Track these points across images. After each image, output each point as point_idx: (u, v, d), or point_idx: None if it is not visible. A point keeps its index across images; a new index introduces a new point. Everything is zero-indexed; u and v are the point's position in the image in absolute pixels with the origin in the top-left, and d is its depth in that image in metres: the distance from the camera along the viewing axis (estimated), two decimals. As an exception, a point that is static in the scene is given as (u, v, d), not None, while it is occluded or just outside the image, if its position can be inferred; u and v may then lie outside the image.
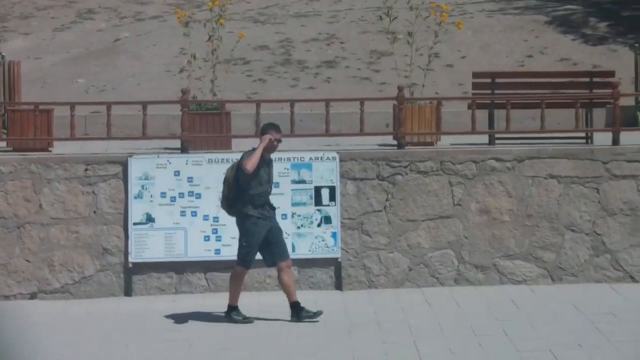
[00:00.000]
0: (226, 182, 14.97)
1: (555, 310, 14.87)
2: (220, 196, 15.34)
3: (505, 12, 30.58)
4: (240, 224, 14.91)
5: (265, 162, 14.59)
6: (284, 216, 16.96)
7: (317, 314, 14.58)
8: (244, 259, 14.83)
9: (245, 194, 14.66)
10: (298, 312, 14.55)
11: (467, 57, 26.61)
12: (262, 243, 14.81)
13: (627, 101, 20.57)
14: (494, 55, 27.00)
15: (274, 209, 15.21)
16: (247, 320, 14.86)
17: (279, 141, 15.00)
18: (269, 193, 15.14)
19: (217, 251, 17.39)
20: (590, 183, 17.35)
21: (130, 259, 17.12)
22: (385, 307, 15.39)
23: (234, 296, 15.03)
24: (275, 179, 16.42)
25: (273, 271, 15.62)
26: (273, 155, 15.50)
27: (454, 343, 13.04)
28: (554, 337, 13.11)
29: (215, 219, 17.38)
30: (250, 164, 14.06)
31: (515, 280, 16.85)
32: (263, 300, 16.36)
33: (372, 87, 24.51)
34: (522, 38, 28.26)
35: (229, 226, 16.45)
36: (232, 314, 14.85)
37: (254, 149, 14.47)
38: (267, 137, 14.52)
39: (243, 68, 26.87)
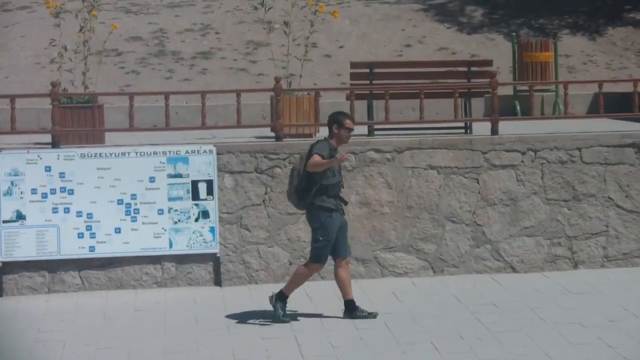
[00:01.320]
0: (295, 172, 14.49)
1: (436, 302, 14.91)
2: (287, 188, 15.00)
3: (383, 1, 30.16)
4: (312, 218, 14.32)
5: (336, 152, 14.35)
6: (161, 211, 16.66)
7: (372, 314, 14.27)
8: (320, 255, 14.27)
9: (318, 185, 14.14)
10: (352, 311, 14.18)
11: (345, 47, 26.46)
12: None
13: (506, 90, 21.08)
14: (372, 45, 26.71)
15: (345, 202, 14.74)
16: (283, 318, 14.41)
17: (352, 130, 14.65)
18: (342, 185, 14.78)
19: (92, 248, 16.84)
20: (470, 173, 17.34)
21: (0, 258, 16.57)
22: (265, 303, 14.54)
23: (290, 288, 14.53)
24: (151, 173, 16.61)
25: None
26: (148, 149, 16.08)
27: (336, 337, 12.87)
28: (435, 329, 13.13)
29: (89, 215, 16.84)
30: (313, 163, 13.78)
31: (396, 272, 16.72)
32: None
33: (249, 78, 24.26)
34: (400, 27, 27.94)
35: (104, 222, 16.37)
36: (277, 311, 14.36)
37: (325, 139, 14.08)
38: (345, 154, 14.05)
39: (116, 60, 26.32)
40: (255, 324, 14.18)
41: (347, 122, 13.78)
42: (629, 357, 11.56)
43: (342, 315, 14.19)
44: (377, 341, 12.72)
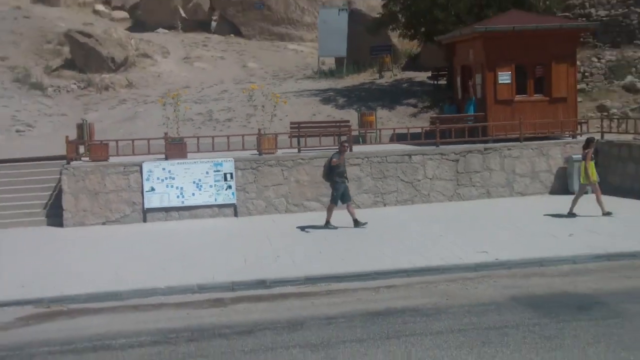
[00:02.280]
0: (325, 166, 24.16)
1: (338, 221, 24.99)
2: (322, 172, 24.59)
3: (302, 95, 41.12)
4: (332, 185, 24.02)
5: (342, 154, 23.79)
6: (211, 186, 27.36)
7: (364, 224, 23.96)
8: (334, 201, 24.03)
9: (335, 171, 23.73)
10: (356, 224, 23.91)
11: (288, 116, 35.65)
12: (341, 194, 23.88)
13: (355, 132, 31.93)
14: (299, 115, 36.37)
15: (346, 178, 24.16)
16: (335, 227, 24.10)
17: (346, 147, 24.50)
18: (345, 171, 24.03)
19: (182, 202, 27.31)
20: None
21: (146, 206, 26.99)
22: (263, 220, 26.70)
23: (329, 216, 24.24)
24: (207, 169, 26.92)
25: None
26: (205, 159, 26.75)
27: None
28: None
29: (181, 188, 27.12)
30: (334, 161, 23.48)
31: (309, 210, 27.73)
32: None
33: (247, 130, 33.91)
34: (311, 107, 39.02)
35: (187, 191, 27.08)
36: (328, 225, 24.22)
37: (337, 151, 23.87)
38: (345, 145, 24.73)
39: (190, 122, 35.21)
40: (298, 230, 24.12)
41: (344, 146, 24.27)
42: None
43: (352, 226, 23.95)
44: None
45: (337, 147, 24.38)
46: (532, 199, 28.31)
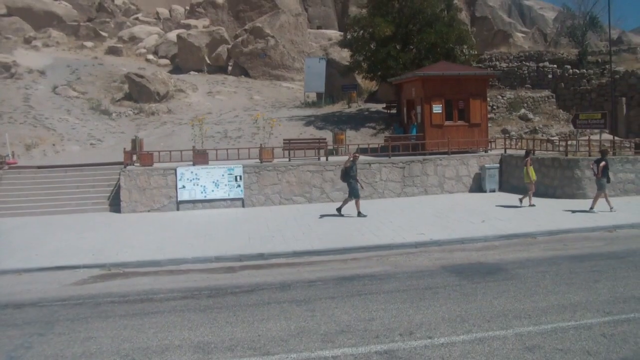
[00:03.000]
0: (342, 170, 23.63)
1: (325, 211, 26.61)
2: (340, 175, 24.02)
3: (290, 120, 41.01)
4: (348, 184, 23.41)
5: (355, 162, 23.36)
6: (226, 185, 27.15)
7: (364, 215, 23.10)
8: (356, 195, 23.28)
9: (349, 174, 23.26)
10: (358, 214, 23.09)
11: (282, 134, 35.67)
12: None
13: (330, 147, 32.21)
14: (289, 133, 36.47)
15: (357, 180, 23.46)
16: (364, 215, 23.19)
17: (357, 157, 23.81)
18: (356, 174, 23.46)
19: (204, 196, 27.17)
20: (318, 172, 28.16)
21: (179, 199, 27.09)
22: (263, 210, 26.63)
23: (358, 208, 23.25)
24: (223, 173, 26.82)
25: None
26: (221, 165, 26.60)
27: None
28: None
29: (204, 186, 27.12)
30: (345, 164, 23.19)
31: (298, 203, 27.51)
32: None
33: (253, 144, 33.58)
34: (297, 128, 39.10)
35: (208, 188, 26.91)
36: (360, 214, 23.23)
37: (351, 160, 23.28)
38: (356, 155, 23.89)
39: (211, 139, 34.28)
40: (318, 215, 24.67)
41: (355, 156, 23.66)
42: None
43: (356, 216, 23.17)
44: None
45: (354, 156, 23.87)
46: (457, 196, 28.37)
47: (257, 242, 19.08)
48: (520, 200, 24.84)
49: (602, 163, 22.59)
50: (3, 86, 47.67)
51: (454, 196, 28.62)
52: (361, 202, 24.09)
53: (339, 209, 23.60)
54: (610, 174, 23.85)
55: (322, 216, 23.84)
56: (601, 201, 23.03)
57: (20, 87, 48.14)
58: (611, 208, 22.77)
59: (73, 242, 20.17)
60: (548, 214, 22.72)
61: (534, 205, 24.39)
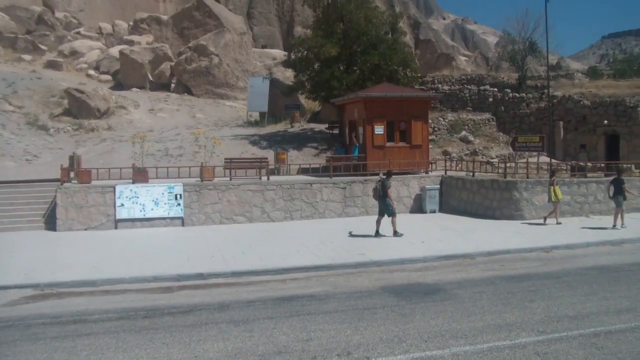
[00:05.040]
0: (377, 190, 22.88)
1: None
2: (373, 193, 23.44)
3: (235, 139, 40.94)
4: (383, 203, 22.72)
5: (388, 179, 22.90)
6: (165, 204, 26.85)
7: (400, 234, 22.58)
8: (393, 213, 22.64)
9: (382, 191, 22.62)
10: (395, 234, 22.54)
11: (223, 153, 35.13)
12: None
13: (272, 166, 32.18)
14: (231, 152, 36.47)
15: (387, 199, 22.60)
16: (401, 234, 22.63)
17: (390, 173, 23.68)
18: (388, 191, 22.59)
19: (144, 215, 26.79)
20: (268, 191, 28.42)
21: (117, 217, 26.60)
22: (218, 228, 26.54)
23: (394, 226, 22.70)
24: (163, 191, 26.61)
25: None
26: (162, 183, 26.24)
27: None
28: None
29: (143, 204, 26.72)
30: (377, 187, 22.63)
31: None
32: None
33: (194, 162, 33.63)
34: (240, 148, 38.89)
35: (147, 206, 26.56)
36: (396, 233, 22.62)
37: (386, 178, 22.91)
38: (390, 171, 24.01)
39: (152, 156, 33.45)
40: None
41: (390, 170, 23.99)
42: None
43: (392, 235, 22.59)
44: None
45: (388, 176, 23.52)
46: (398, 217, 28.11)
47: (196, 262, 18.89)
48: (544, 218, 25.18)
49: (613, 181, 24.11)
50: None
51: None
52: (303, 221, 24.01)
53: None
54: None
55: (263, 235, 23.81)
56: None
57: (-48, 101, 46.73)
58: (622, 225, 23.72)
59: (5, 260, 19.73)
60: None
61: (560, 223, 24.85)
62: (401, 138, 32.20)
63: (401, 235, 22.44)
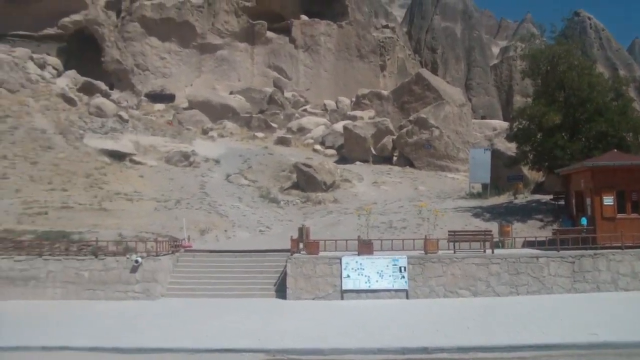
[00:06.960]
0: None
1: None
2: None
3: (457, 211, 39.54)
4: None
5: None
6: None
7: None
8: None
9: None
10: None
11: (447, 225, 35.03)
12: None
13: (495, 239, 32.31)
14: (455, 225, 35.23)
15: None
16: None
17: None
18: None
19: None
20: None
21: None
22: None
23: None
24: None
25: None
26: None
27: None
28: None
29: None
30: None
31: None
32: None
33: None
34: (464, 219, 37.34)
35: None
36: None
37: None
38: None
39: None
40: None
41: None
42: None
43: None
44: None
45: None
46: (631, 294, 26.44)
47: (421, 335, 18.90)
48: None
49: None
50: (183, 174, 51.29)
51: (630, 294, 26.67)
52: (529, 297, 23.18)
53: None
54: None
55: (487, 311, 23.25)
56: None
57: (197, 175, 51.68)
58: None
59: (239, 325, 20.92)
60: None
61: None
62: (634, 209, 30.39)
63: None
